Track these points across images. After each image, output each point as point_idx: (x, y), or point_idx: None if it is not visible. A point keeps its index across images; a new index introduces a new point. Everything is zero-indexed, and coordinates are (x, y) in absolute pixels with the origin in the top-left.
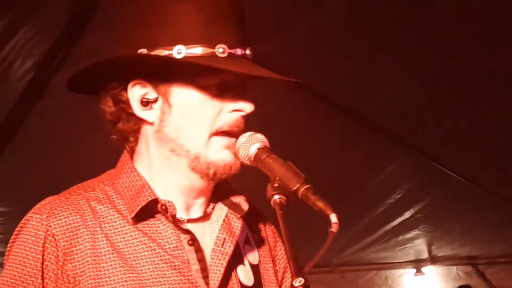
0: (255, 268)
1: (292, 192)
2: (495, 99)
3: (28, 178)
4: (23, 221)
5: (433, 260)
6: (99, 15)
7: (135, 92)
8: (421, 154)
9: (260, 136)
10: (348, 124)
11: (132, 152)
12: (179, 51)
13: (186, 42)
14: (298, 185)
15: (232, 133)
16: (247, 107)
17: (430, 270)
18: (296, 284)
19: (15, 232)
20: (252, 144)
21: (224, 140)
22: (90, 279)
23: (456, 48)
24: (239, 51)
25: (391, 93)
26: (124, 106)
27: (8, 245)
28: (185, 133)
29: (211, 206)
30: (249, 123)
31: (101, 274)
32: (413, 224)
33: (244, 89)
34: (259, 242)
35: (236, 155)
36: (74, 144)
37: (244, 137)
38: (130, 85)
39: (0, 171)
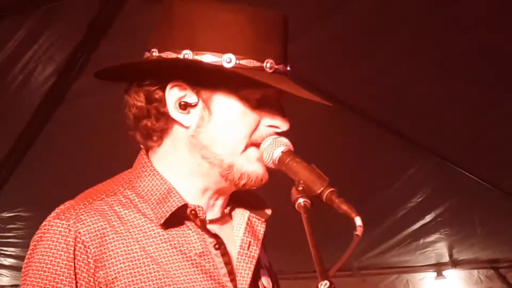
0: (269, 271)
1: (316, 195)
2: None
3: (49, 183)
4: (45, 227)
5: (454, 263)
6: (119, 21)
7: (174, 94)
8: (442, 157)
9: (284, 140)
10: (369, 128)
11: (149, 151)
12: (228, 60)
13: (236, 52)
14: (322, 188)
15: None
16: (284, 125)
17: (451, 273)
18: (320, 286)
19: (35, 239)
20: (276, 147)
21: (257, 152)
22: (126, 285)
23: (477, 52)
24: (282, 68)
25: (413, 97)
26: (157, 104)
27: (29, 253)
28: (221, 142)
29: (228, 207)
30: None
31: (137, 280)
32: (434, 227)
33: (281, 106)
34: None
35: (266, 168)
36: (94, 149)
37: (268, 140)
38: (169, 86)
39: (22, 176)
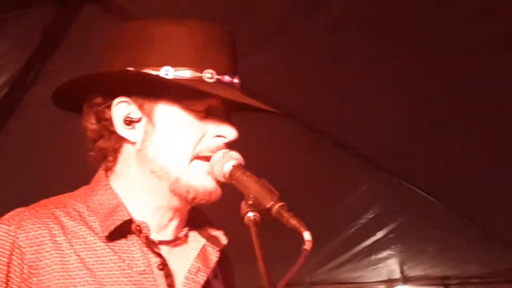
0: None
1: (266, 210)
2: (468, 119)
3: None
4: None
5: (405, 279)
6: (73, 32)
7: (119, 110)
8: (394, 175)
9: (234, 154)
10: (322, 144)
11: (108, 171)
12: (166, 73)
13: (174, 64)
14: (272, 203)
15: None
16: (231, 133)
17: None
18: None
19: None
20: (226, 161)
21: (206, 166)
22: None
23: (430, 69)
24: (226, 78)
25: (365, 114)
26: (106, 124)
27: None
28: (167, 155)
29: (183, 231)
30: None
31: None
32: (386, 244)
33: (228, 116)
34: (225, 276)
35: (217, 182)
36: (46, 162)
37: (219, 154)
38: (115, 102)
39: None
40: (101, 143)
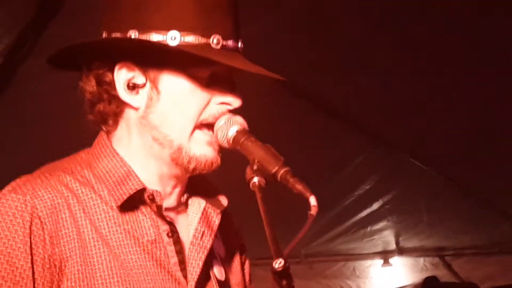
0: (223, 262)
1: (271, 175)
2: (464, 92)
3: None
4: (2, 202)
5: (401, 251)
6: (69, 2)
7: (122, 75)
8: (389, 145)
9: (238, 119)
10: (317, 116)
11: (108, 135)
12: (173, 37)
13: (181, 28)
14: (277, 168)
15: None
16: (235, 101)
17: (397, 261)
18: (276, 266)
19: None
20: (230, 126)
21: (208, 136)
22: (77, 265)
23: (425, 42)
24: (231, 43)
25: (361, 85)
26: (107, 87)
27: None
28: (171, 122)
29: (185, 196)
30: None
31: (88, 261)
32: (381, 215)
33: (233, 83)
34: (225, 238)
35: (218, 151)
36: (43, 132)
37: (223, 119)
38: (117, 67)
39: None
40: (101, 106)
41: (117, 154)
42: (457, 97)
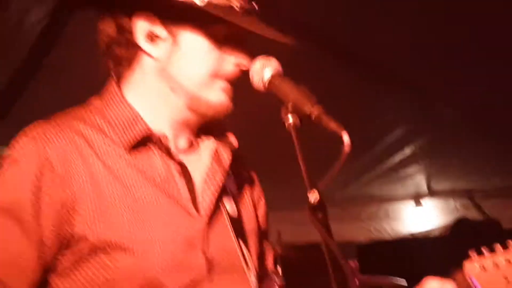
0: (235, 199)
1: (306, 115)
2: (499, 39)
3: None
4: (15, 146)
5: (432, 193)
6: None
7: (143, 25)
8: (421, 92)
9: (273, 63)
10: (350, 64)
11: (120, 79)
12: None
13: None
14: (311, 108)
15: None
16: (247, 63)
17: (429, 203)
18: (312, 200)
19: (4, 156)
20: (265, 69)
21: (222, 84)
22: (90, 204)
23: None
24: (250, 6)
25: (392, 33)
26: (127, 33)
27: None
28: (189, 75)
29: (197, 139)
30: None
31: (101, 199)
32: (413, 159)
33: (246, 44)
34: (238, 177)
35: (231, 98)
36: (87, 90)
37: (258, 63)
38: (139, 17)
39: (23, 108)
40: (118, 50)
41: (125, 100)
42: (490, 45)
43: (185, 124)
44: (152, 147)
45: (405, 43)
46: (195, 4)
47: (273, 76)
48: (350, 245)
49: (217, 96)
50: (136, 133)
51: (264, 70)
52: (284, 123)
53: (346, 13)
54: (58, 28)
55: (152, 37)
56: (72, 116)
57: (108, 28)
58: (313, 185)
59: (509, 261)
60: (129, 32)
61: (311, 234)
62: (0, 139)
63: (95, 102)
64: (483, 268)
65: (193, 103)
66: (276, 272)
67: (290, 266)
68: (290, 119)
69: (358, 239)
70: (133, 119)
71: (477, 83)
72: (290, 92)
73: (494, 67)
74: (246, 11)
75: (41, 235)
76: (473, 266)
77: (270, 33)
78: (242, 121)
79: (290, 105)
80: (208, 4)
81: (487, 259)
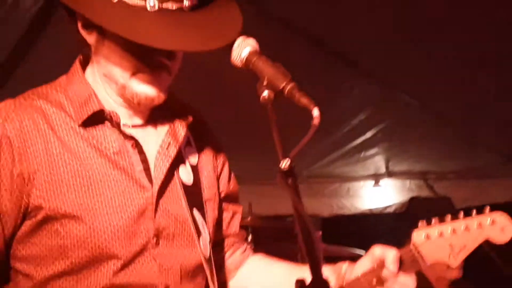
0: (194, 168)
1: (279, 90)
2: (451, 29)
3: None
4: None
5: (390, 174)
6: None
7: (80, 17)
8: (383, 81)
9: (251, 41)
10: (319, 53)
11: (87, 59)
12: None
13: None
14: (285, 83)
15: (154, 74)
16: (167, 61)
17: (386, 183)
18: (282, 165)
19: None
20: (244, 47)
21: (146, 76)
22: (45, 176)
23: None
24: (171, 5)
25: (358, 25)
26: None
27: None
28: (113, 65)
29: (153, 114)
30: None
31: (55, 172)
32: (374, 142)
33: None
34: (201, 148)
35: (160, 90)
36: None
37: (237, 42)
38: (78, 15)
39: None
40: (78, 35)
41: (84, 79)
42: (444, 34)
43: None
44: (108, 124)
45: (370, 36)
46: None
47: (250, 54)
48: (314, 218)
49: (142, 89)
50: (88, 109)
51: (242, 48)
52: (259, 96)
53: (318, 5)
54: (52, 9)
55: (86, 26)
56: (37, 94)
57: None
58: (285, 154)
59: (454, 230)
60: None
61: (279, 206)
62: None
63: (61, 80)
64: (427, 236)
65: (121, 92)
66: (241, 234)
67: (260, 234)
68: (265, 93)
69: (322, 213)
70: (88, 96)
71: (433, 74)
72: (266, 68)
73: (448, 60)
74: (163, 10)
75: (1, 205)
76: (419, 235)
77: (174, 41)
78: (218, 99)
79: (265, 81)
80: (120, 1)
81: (434, 228)
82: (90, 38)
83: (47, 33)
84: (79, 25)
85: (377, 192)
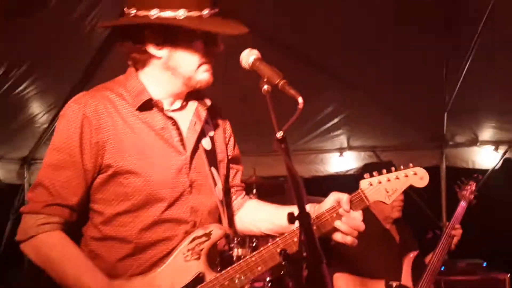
0: (212, 139)
1: (275, 85)
2: (395, 39)
3: None
4: (66, 107)
5: (350, 148)
6: None
7: (151, 38)
8: (345, 81)
9: (255, 51)
10: (297, 59)
11: (136, 68)
12: (181, 13)
13: (185, 6)
14: (279, 80)
15: (210, 64)
16: (250, 52)
17: (348, 154)
18: (278, 135)
19: (61, 114)
20: (250, 55)
21: (206, 66)
22: (113, 144)
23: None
24: (213, 10)
25: (327, 34)
26: (140, 45)
27: (56, 124)
28: (183, 65)
29: (185, 102)
30: None
31: (119, 141)
32: (339, 126)
33: (217, 37)
34: (215, 125)
35: (212, 75)
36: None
37: (245, 52)
38: (147, 34)
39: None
40: (135, 55)
41: (138, 79)
42: (389, 42)
43: (178, 94)
44: (155, 109)
45: (337, 43)
46: (178, 20)
47: (255, 60)
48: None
49: (202, 76)
50: (142, 98)
51: (249, 56)
52: (261, 89)
53: (292, 16)
54: (115, 35)
55: (157, 45)
56: (105, 87)
57: (127, 44)
58: (280, 128)
59: (388, 179)
60: (142, 43)
61: (274, 170)
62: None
63: (120, 78)
64: (370, 183)
65: (188, 81)
66: (241, 185)
67: (262, 190)
68: (265, 87)
69: (304, 175)
70: (142, 90)
71: (381, 77)
72: (265, 70)
73: (392, 63)
74: (212, 15)
75: (84, 164)
76: (364, 183)
77: (227, 29)
78: (233, 92)
79: (265, 78)
80: (186, 18)
81: (375, 178)
82: (161, 53)
83: (112, 50)
84: (151, 46)
85: (341, 161)
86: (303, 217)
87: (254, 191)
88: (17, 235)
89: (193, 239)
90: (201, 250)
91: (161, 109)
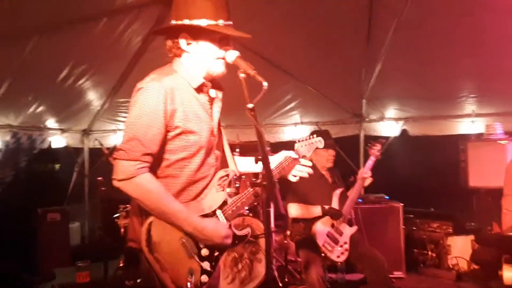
0: (221, 111)
1: (248, 73)
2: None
3: None
4: (146, 85)
5: (302, 123)
6: None
7: (183, 39)
8: (299, 77)
9: (237, 52)
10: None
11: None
12: (204, 22)
13: (207, 17)
14: (251, 70)
15: (223, 57)
16: (233, 51)
17: (300, 127)
18: (249, 106)
19: (140, 91)
20: (234, 54)
21: (222, 60)
22: (180, 112)
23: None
24: (226, 22)
25: (292, 40)
26: (177, 43)
27: (134, 100)
28: (204, 58)
29: (211, 85)
30: None
31: (184, 111)
32: (294, 108)
33: (230, 40)
34: (221, 100)
35: (225, 67)
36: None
37: (229, 52)
38: (181, 36)
39: (131, 83)
40: (174, 50)
41: (185, 66)
42: (339, 44)
43: (206, 78)
44: (204, 90)
45: (293, 49)
46: (203, 26)
47: (236, 57)
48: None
49: (219, 68)
50: (199, 81)
51: (232, 54)
52: (238, 76)
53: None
54: (147, 43)
55: (187, 43)
56: (165, 72)
57: (168, 43)
58: (251, 101)
59: (308, 144)
60: (177, 43)
61: (249, 137)
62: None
63: (167, 66)
64: (299, 142)
65: (208, 70)
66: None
67: (242, 150)
68: (241, 75)
69: (270, 141)
70: (196, 75)
71: (322, 73)
72: (242, 64)
73: (329, 66)
74: (226, 24)
75: (164, 123)
76: (297, 145)
77: (238, 33)
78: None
79: (241, 69)
80: (209, 25)
81: (302, 142)
82: (188, 48)
83: (142, 57)
84: (183, 43)
85: (296, 131)
86: (263, 157)
87: (238, 150)
88: (118, 176)
89: (220, 178)
90: (224, 184)
91: (207, 90)
